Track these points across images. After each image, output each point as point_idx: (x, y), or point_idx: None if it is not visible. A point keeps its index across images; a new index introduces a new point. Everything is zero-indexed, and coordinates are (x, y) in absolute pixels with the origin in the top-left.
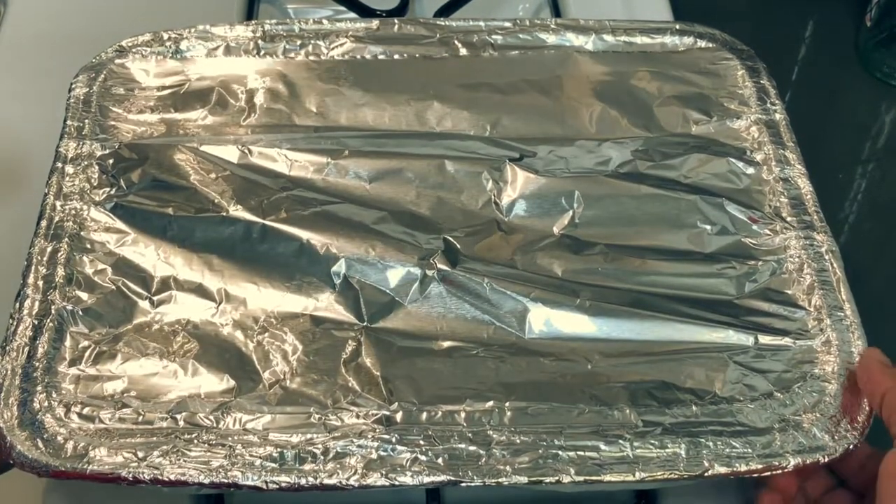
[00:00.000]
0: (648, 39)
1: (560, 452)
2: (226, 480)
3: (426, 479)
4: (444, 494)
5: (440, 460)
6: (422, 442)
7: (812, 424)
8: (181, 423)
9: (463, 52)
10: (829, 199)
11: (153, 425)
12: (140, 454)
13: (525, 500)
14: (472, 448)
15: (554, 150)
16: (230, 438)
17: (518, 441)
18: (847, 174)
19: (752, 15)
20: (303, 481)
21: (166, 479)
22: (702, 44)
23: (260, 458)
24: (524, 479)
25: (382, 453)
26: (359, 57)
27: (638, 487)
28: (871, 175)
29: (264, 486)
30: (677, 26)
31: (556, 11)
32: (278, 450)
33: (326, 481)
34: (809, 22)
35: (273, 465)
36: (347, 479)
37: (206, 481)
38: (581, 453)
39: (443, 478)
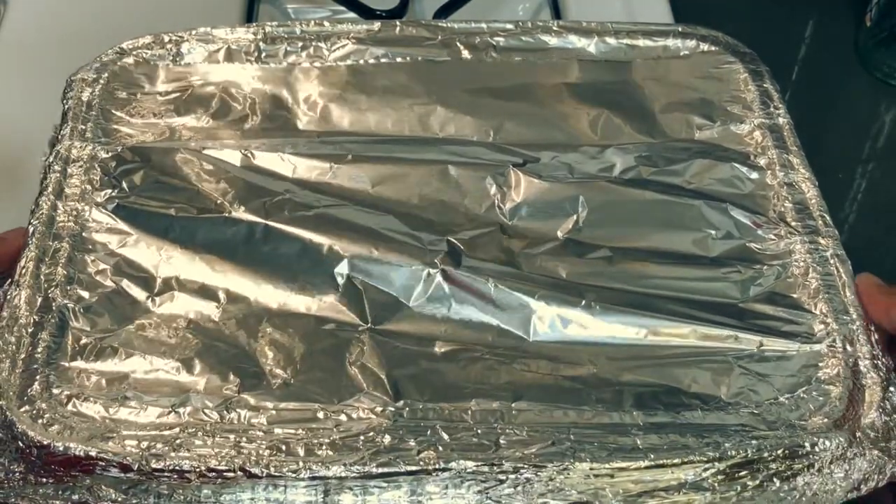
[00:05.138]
0: (651, 42)
1: (570, 443)
2: (231, 471)
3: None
4: None
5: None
6: (429, 433)
7: (818, 427)
8: (185, 418)
9: (465, 54)
10: (830, 199)
11: (156, 419)
12: (143, 445)
13: None
14: (480, 441)
15: (557, 155)
16: (235, 434)
17: (526, 436)
18: (847, 174)
19: (752, 15)
20: (309, 473)
21: (169, 470)
22: (704, 47)
23: (266, 450)
24: None
25: (390, 445)
26: (361, 61)
27: None
28: (871, 175)
29: (271, 477)
30: (680, 29)
31: (556, 12)
32: (284, 443)
33: (333, 472)
34: (809, 22)
35: (280, 456)
36: (354, 469)
37: (211, 472)
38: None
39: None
